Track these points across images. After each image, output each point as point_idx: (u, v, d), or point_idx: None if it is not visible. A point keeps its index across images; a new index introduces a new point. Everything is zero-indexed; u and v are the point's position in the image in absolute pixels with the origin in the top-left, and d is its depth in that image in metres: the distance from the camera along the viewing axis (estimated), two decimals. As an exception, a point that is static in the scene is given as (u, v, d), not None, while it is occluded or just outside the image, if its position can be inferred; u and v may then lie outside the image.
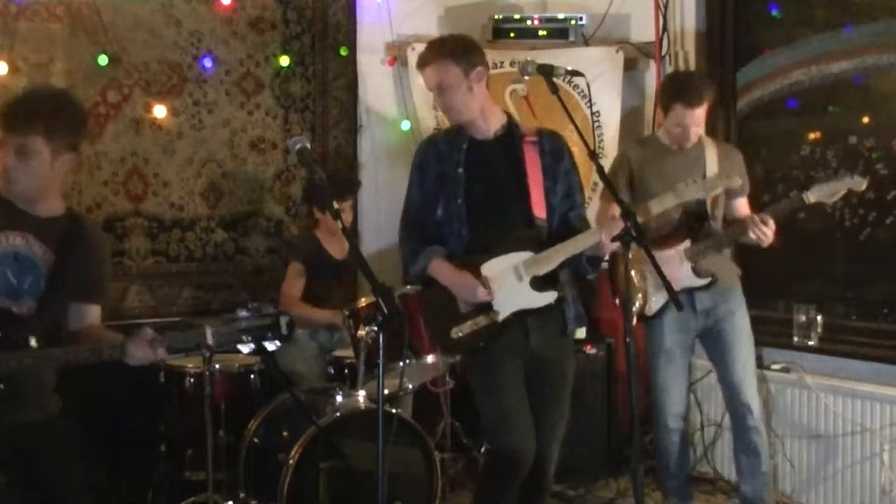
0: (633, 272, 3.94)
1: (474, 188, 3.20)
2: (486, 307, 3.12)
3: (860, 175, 3.75)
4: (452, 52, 3.17)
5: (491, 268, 3.13)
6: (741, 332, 3.94)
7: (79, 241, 2.67)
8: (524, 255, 3.14)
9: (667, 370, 3.96)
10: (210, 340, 2.46)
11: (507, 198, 3.22)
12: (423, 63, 3.21)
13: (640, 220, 2.98)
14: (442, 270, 3.16)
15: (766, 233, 3.71)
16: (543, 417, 3.19)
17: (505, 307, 3.12)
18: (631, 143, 4.23)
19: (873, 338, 4.30)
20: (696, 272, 3.84)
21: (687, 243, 3.85)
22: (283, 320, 2.48)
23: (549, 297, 3.16)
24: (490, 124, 3.26)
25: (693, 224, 3.88)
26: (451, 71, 3.15)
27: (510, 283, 3.12)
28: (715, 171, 3.82)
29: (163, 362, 2.51)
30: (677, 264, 3.83)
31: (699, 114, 3.82)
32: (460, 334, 3.10)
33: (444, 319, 3.12)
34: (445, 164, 3.24)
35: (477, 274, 3.12)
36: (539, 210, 3.19)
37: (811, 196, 3.71)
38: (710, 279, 3.84)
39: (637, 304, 3.92)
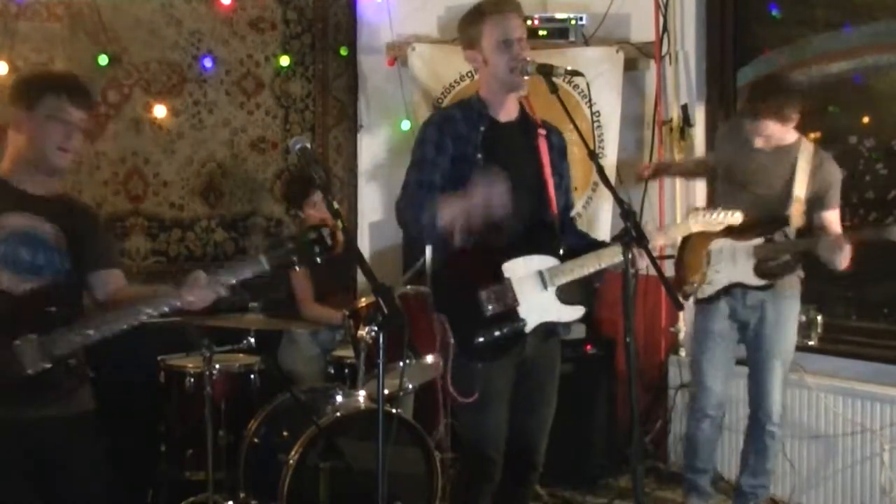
0: (694, 254, 3.96)
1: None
2: (512, 315, 2.92)
3: None
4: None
5: (514, 270, 2.94)
6: (783, 344, 3.90)
7: (80, 212, 2.74)
8: (548, 261, 2.98)
9: (714, 353, 3.95)
10: (266, 266, 2.51)
11: (525, 188, 2.99)
12: (510, 7, 3.00)
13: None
14: (454, 198, 2.82)
15: (840, 257, 3.56)
16: (531, 415, 3.08)
17: (531, 317, 2.94)
18: (722, 134, 4.12)
19: (873, 338, 4.31)
20: (757, 272, 3.81)
21: (759, 241, 3.80)
22: (325, 231, 2.49)
23: (577, 311, 3.03)
24: (514, 106, 3.11)
25: (770, 225, 3.80)
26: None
27: (535, 291, 2.94)
28: (805, 178, 3.76)
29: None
30: (744, 259, 3.82)
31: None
32: (481, 340, 2.89)
33: (465, 321, 2.89)
34: (464, 146, 2.97)
35: (498, 273, 2.92)
36: (553, 205, 3.06)
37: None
38: (766, 283, 3.81)
39: (695, 286, 3.93)
